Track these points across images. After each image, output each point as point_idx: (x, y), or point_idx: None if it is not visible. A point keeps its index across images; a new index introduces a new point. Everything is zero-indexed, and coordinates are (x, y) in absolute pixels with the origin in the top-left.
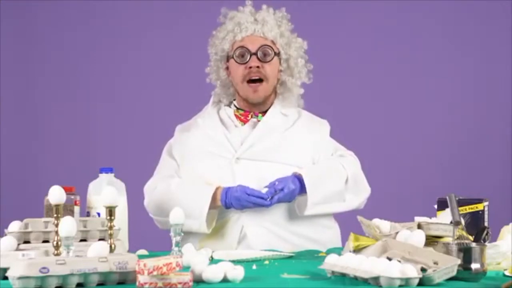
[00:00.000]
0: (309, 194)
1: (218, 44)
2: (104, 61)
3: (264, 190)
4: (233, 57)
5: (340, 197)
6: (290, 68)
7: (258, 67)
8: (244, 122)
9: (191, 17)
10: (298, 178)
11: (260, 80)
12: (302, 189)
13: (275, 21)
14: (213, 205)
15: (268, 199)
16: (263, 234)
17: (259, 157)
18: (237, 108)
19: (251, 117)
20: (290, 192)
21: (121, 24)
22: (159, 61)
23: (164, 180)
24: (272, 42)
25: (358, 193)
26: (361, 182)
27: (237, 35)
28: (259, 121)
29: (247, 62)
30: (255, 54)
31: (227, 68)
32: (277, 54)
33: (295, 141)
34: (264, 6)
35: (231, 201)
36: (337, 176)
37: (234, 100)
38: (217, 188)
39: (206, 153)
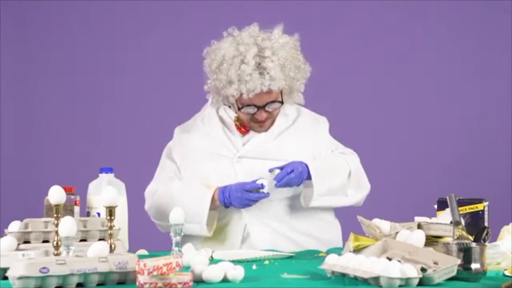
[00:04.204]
0: (315, 185)
1: (221, 85)
2: (104, 61)
3: (275, 172)
4: (239, 108)
5: (343, 191)
6: (293, 90)
7: (266, 117)
8: (244, 133)
9: (191, 17)
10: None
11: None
12: (308, 177)
13: (280, 68)
14: (212, 206)
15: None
16: (266, 233)
17: (260, 156)
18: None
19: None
20: (299, 174)
21: (121, 24)
22: (160, 61)
23: (164, 184)
24: (278, 89)
25: (359, 189)
26: (362, 179)
27: (243, 92)
28: None
29: (254, 113)
30: (263, 107)
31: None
32: (282, 97)
33: (296, 139)
34: (269, 52)
35: (230, 201)
36: (341, 170)
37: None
38: (215, 189)
39: (208, 154)
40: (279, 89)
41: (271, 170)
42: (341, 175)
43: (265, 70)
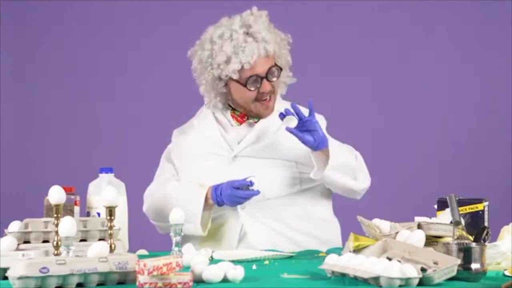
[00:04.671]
0: (331, 155)
1: (219, 67)
2: (104, 61)
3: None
4: (240, 83)
5: (353, 173)
6: (283, 66)
7: (270, 88)
8: (241, 122)
9: (191, 17)
10: None
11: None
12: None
13: (267, 31)
14: (207, 206)
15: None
16: (263, 232)
17: (256, 154)
18: (233, 109)
19: (247, 118)
20: (316, 120)
21: (121, 24)
22: (160, 61)
23: (161, 185)
24: (274, 56)
25: (364, 177)
26: (366, 169)
27: (243, 62)
28: (255, 122)
29: (259, 87)
30: (265, 77)
31: (226, 84)
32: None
33: (292, 137)
34: (251, 18)
35: (222, 199)
36: (350, 154)
37: (228, 100)
38: (209, 188)
39: (203, 153)
40: (274, 52)
41: (282, 116)
42: (351, 157)
43: (255, 34)
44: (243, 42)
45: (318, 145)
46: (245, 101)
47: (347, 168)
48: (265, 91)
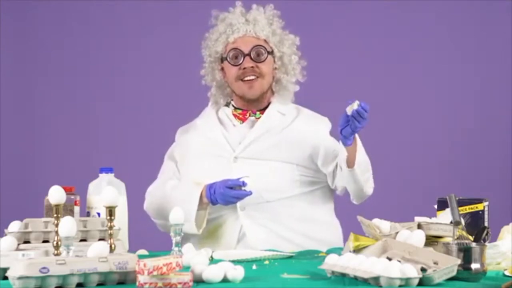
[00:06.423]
0: (358, 149)
1: (211, 46)
2: (104, 61)
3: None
4: (226, 59)
5: (368, 172)
6: (285, 66)
7: (252, 67)
8: (243, 120)
9: (191, 17)
10: None
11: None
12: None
13: (266, 20)
14: (202, 205)
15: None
16: (262, 233)
17: (257, 156)
18: (235, 108)
19: (249, 115)
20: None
21: (121, 24)
22: (161, 61)
23: (161, 184)
24: (265, 41)
25: (372, 183)
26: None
27: (229, 36)
28: (257, 119)
29: (241, 63)
30: (249, 55)
31: (222, 69)
32: (271, 52)
33: (293, 139)
34: (254, 6)
35: (216, 198)
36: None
37: (232, 100)
38: (204, 186)
39: (205, 154)
40: (267, 38)
41: (350, 103)
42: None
43: (250, 17)
44: (236, 23)
45: (347, 139)
46: (231, 80)
47: (366, 168)
48: (246, 66)
